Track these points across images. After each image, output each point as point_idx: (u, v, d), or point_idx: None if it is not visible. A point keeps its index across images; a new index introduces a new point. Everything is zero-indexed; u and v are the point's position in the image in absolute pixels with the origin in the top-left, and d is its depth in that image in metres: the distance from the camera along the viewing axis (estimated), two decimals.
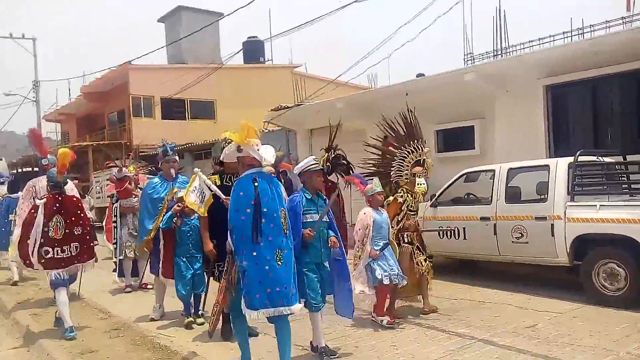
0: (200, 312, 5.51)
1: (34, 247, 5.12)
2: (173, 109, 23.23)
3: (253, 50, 26.03)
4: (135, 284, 7.32)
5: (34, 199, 5.72)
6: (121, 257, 7.21)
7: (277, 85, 23.70)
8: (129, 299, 6.77)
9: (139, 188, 7.28)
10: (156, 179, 5.85)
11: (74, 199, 5.54)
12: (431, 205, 7.55)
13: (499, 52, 10.58)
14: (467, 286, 6.77)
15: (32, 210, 5.33)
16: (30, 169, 23.84)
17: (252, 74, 24.51)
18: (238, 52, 24.38)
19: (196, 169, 5.00)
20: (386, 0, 23.58)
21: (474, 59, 11.17)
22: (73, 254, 5.33)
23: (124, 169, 7.43)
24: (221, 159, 4.41)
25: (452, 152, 10.68)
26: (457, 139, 10.71)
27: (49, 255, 5.17)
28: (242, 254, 3.70)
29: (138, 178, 7.64)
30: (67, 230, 5.28)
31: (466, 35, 11.79)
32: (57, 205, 5.30)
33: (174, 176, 5.85)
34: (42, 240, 5.13)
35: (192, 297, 5.51)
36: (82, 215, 5.48)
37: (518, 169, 6.87)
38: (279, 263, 3.71)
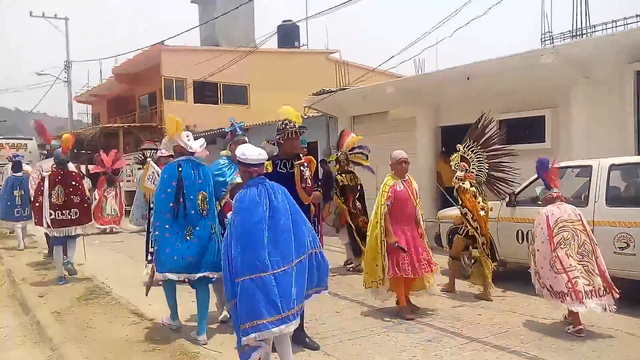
0: None
1: (42, 211, 6.68)
2: (205, 92, 22.52)
3: (288, 35, 25.13)
4: None
5: (40, 176, 7.46)
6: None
7: (312, 70, 22.79)
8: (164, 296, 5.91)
9: None
10: (222, 160, 5.02)
11: (73, 173, 7.10)
12: (507, 205, 6.53)
13: (578, 33, 9.39)
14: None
15: (40, 182, 7.02)
16: None
17: (287, 59, 23.61)
18: (271, 35, 23.52)
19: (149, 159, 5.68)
20: None
21: (552, 39, 9.98)
22: (73, 217, 6.75)
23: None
24: (163, 146, 5.24)
25: (518, 144, 9.51)
26: (524, 130, 9.58)
27: (52, 217, 6.62)
28: (156, 226, 4.42)
29: None
30: (66, 198, 6.70)
31: (544, 12, 10.44)
32: (59, 177, 6.76)
33: None
34: (48, 205, 6.60)
35: None
36: (79, 186, 6.95)
37: (623, 166, 5.80)
38: (188, 237, 4.39)
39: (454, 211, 7.45)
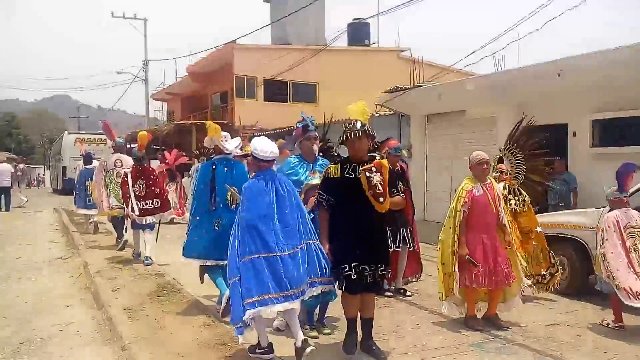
0: (324, 321, 4.69)
1: (130, 201, 7.53)
2: (275, 90, 22.60)
3: (358, 33, 24.80)
4: None
5: (105, 170, 8.68)
6: None
7: (382, 69, 22.30)
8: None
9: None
10: (293, 159, 4.75)
11: (150, 168, 7.99)
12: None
13: None
14: None
15: (124, 177, 7.73)
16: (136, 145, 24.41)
17: (356, 57, 23.24)
18: (341, 33, 23.26)
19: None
20: None
21: None
22: (156, 206, 7.63)
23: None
24: (204, 144, 5.55)
25: (614, 147, 8.70)
26: (621, 132, 8.71)
27: (139, 206, 7.52)
28: (192, 216, 5.12)
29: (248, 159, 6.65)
30: (147, 190, 7.60)
31: None
32: (138, 173, 7.66)
33: (315, 156, 4.74)
34: (134, 196, 7.52)
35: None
36: (157, 180, 7.88)
37: None
38: (216, 228, 4.89)
39: (544, 218, 6.81)
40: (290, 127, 18.41)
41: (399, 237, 5.91)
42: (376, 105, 12.83)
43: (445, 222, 5.08)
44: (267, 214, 3.71)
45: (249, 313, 3.51)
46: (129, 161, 8.37)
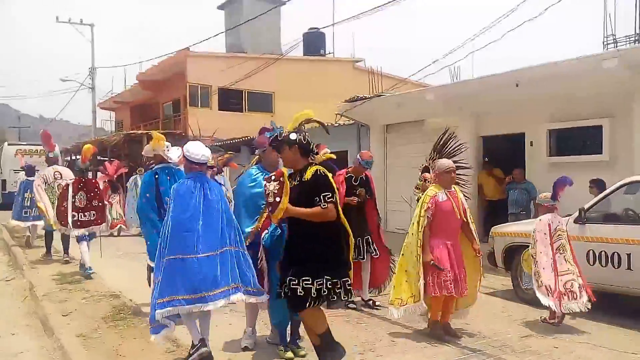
0: (297, 341, 4.40)
1: (67, 213, 7.67)
2: (230, 100, 22.19)
3: (314, 42, 24.75)
4: None
5: (45, 182, 8.88)
6: None
7: (338, 79, 22.34)
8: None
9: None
10: (254, 170, 4.50)
11: (93, 181, 8.38)
12: (576, 222, 5.88)
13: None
14: (634, 332, 5.13)
15: (65, 188, 7.93)
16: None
17: (312, 67, 23.20)
18: (298, 42, 23.13)
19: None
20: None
21: (616, 43, 9.32)
22: (92, 218, 7.86)
23: None
24: (144, 153, 5.86)
25: (569, 156, 8.92)
26: (576, 141, 8.95)
27: (75, 218, 7.71)
28: (144, 224, 5.19)
29: (215, 172, 6.35)
30: (87, 202, 7.80)
31: (607, 13, 9.65)
32: (81, 184, 7.90)
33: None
34: (71, 208, 7.67)
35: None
36: (98, 192, 8.08)
37: None
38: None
39: (511, 227, 6.84)
40: (246, 137, 18.09)
41: (361, 246, 5.79)
42: (336, 114, 12.73)
43: (409, 229, 5.04)
44: (192, 215, 3.80)
45: (158, 313, 3.66)
46: (67, 173, 8.80)
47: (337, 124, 13.38)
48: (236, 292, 3.81)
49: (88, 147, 8.21)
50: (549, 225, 5.30)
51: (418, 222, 4.87)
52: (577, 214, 5.88)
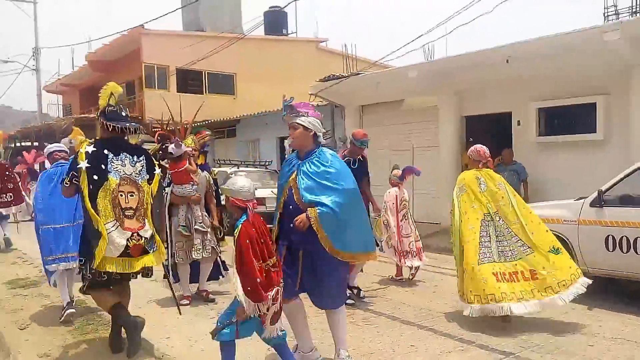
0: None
1: None
2: (189, 81, 20.98)
3: (275, 22, 23.79)
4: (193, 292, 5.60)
5: None
6: (177, 261, 5.25)
7: (302, 60, 21.58)
8: (190, 320, 4.66)
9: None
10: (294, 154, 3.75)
11: (6, 165, 9.09)
12: (592, 205, 5.46)
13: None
14: None
15: None
16: (29, 143, 21.72)
17: (274, 47, 22.25)
18: (260, 22, 22.14)
19: None
20: None
21: (618, 15, 8.94)
22: (9, 199, 8.70)
23: (181, 142, 5.27)
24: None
25: (561, 135, 8.59)
26: (568, 120, 8.61)
27: None
28: None
29: (197, 156, 5.52)
30: (2, 185, 8.60)
31: None
32: None
33: (308, 151, 3.73)
34: None
35: None
36: (11, 175, 8.92)
37: None
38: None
39: None
40: (207, 120, 17.06)
41: None
42: (309, 94, 12.00)
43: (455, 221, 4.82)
44: (52, 195, 4.81)
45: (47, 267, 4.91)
46: None
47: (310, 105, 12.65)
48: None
49: (0, 132, 9.74)
50: (396, 196, 6.39)
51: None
52: (593, 196, 5.45)
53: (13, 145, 22.73)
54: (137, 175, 3.93)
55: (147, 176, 4.00)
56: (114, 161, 3.84)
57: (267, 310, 2.98)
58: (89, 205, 3.68)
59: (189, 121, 6.01)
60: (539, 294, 4.42)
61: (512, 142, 9.27)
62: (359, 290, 5.63)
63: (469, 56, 8.88)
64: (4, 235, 9.20)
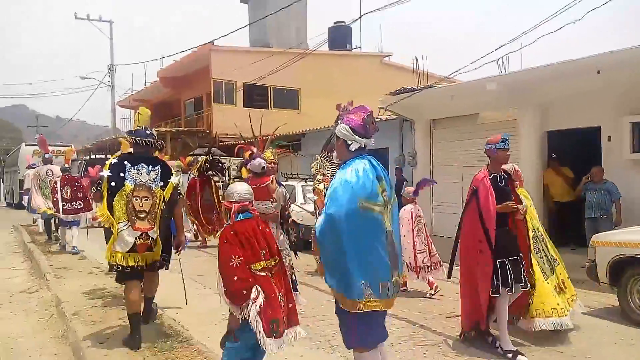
0: None
1: (58, 202, 9.67)
2: (254, 96, 21.30)
3: (340, 37, 23.87)
4: None
5: (39, 179, 10.83)
6: None
7: (366, 75, 21.39)
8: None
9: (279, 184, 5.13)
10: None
11: (75, 177, 10.39)
12: None
13: None
14: None
15: (54, 184, 9.86)
16: (103, 155, 22.71)
17: (338, 62, 22.29)
18: (325, 39, 22.19)
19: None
20: None
21: None
22: (79, 207, 9.84)
23: (260, 156, 5.08)
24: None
25: None
26: None
27: (64, 207, 9.67)
28: None
29: (275, 170, 5.35)
30: (72, 194, 9.75)
31: None
32: (66, 181, 9.84)
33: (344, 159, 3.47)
34: (61, 199, 9.64)
35: None
36: (80, 186, 9.97)
37: None
38: None
39: (620, 236, 5.78)
40: (271, 135, 17.17)
41: None
42: (379, 108, 11.74)
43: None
44: None
45: None
46: (57, 171, 10.41)
47: (377, 119, 12.38)
48: None
49: (70, 149, 11.86)
50: (412, 213, 6.58)
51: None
52: None
53: (88, 157, 23.87)
54: (151, 182, 4.54)
55: (162, 183, 4.59)
56: (131, 170, 4.46)
57: (259, 316, 2.98)
58: (105, 208, 4.35)
59: (271, 134, 5.87)
60: (568, 305, 4.79)
61: (600, 159, 8.59)
62: None
63: (554, 67, 8.34)
64: (64, 243, 10.23)
